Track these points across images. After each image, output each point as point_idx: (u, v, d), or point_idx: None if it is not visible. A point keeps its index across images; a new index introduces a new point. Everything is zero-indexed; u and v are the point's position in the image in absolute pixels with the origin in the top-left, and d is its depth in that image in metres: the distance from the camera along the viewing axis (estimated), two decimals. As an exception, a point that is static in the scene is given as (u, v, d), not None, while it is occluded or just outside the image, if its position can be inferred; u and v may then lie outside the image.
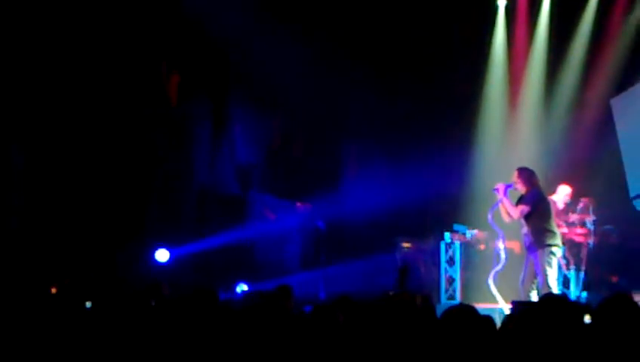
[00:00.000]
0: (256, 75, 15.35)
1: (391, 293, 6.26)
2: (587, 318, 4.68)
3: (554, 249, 10.68)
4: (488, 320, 4.74)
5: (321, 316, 5.12)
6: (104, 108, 13.91)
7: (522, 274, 10.83)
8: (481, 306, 11.07)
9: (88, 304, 6.31)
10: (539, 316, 4.70)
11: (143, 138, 14.51)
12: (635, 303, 4.61)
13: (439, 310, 5.87)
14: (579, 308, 4.64)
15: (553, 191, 12.78)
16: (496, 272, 11.61)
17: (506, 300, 11.19)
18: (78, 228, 13.40)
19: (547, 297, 5.02)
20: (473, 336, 4.59)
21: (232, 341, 5.36)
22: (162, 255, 13.96)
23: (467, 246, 14.44)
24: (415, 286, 14.35)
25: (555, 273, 10.75)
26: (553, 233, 10.77)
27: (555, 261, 10.71)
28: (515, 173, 11.00)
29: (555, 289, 10.66)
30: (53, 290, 6.30)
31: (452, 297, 14.07)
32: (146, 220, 14.26)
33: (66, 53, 13.51)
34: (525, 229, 10.81)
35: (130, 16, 13.94)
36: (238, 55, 15.10)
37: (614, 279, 13.68)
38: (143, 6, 14.08)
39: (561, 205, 12.99)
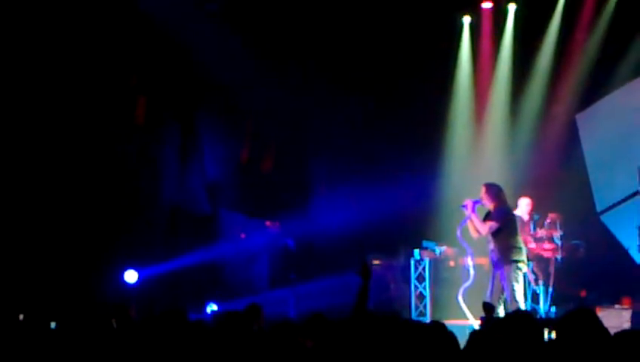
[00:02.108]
0: (224, 92, 15.36)
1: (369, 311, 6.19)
2: (553, 334, 4.72)
3: (520, 264, 10.75)
4: (451, 336, 4.76)
5: (286, 334, 5.11)
6: (71, 128, 13.83)
7: (489, 289, 10.87)
8: (451, 322, 11.09)
9: (53, 324, 6.27)
10: (505, 331, 4.73)
11: (111, 158, 14.43)
12: (597, 317, 4.66)
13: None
14: (545, 323, 4.68)
15: (515, 207, 12.85)
16: (466, 288, 11.66)
17: (475, 316, 11.22)
18: (44, 249, 13.27)
19: (514, 313, 5.05)
20: (438, 353, 4.61)
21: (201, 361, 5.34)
22: (131, 276, 13.88)
23: (436, 263, 14.48)
24: (385, 303, 14.41)
25: (522, 288, 10.82)
26: (519, 249, 10.84)
27: (521, 276, 10.78)
28: (483, 189, 11.06)
29: (523, 304, 10.73)
30: (21, 317, 6.25)
31: (422, 314, 14.10)
32: (114, 241, 14.16)
33: (34, 70, 13.43)
34: (492, 245, 10.86)
35: (97, 35, 13.88)
36: (205, 73, 15.08)
37: (583, 294, 13.76)
38: (111, 26, 14.03)
39: (525, 217, 13.10)
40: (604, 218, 14.67)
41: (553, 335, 4.79)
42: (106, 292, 13.31)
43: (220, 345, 5.57)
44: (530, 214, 13.38)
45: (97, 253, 13.80)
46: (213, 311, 13.58)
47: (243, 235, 15.72)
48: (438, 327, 4.76)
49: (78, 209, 13.80)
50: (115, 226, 14.20)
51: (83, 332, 5.58)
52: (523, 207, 13.20)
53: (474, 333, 4.90)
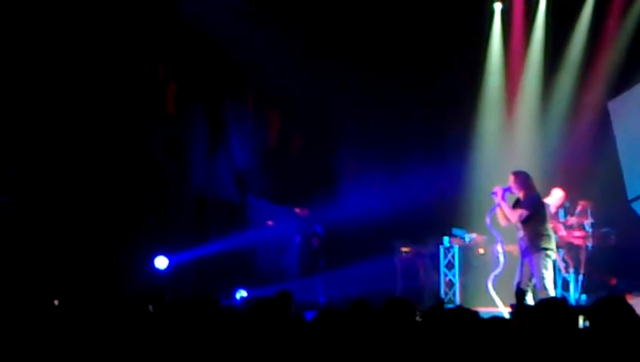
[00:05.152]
0: (252, 80, 15.39)
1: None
2: (586, 322, 4.70)
3: (549, 252, 10.67)
4: (490, 323, 4.76)
5: (331, 321, 5.09)
6: (102, 117, 13.92)
7: (517, 277, 10.80)
8: (481, 310, 11.04)
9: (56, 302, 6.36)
10: (540, 318, 4.72)
11: (141, 145, 14.52)
12: (629, 305, 4.63)
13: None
14: (579, 311, 4.67)
15: (547, 194, 12.77)
16: (496, 276, 11.60)
17: (505, 304, 11.19)
18: (75, 236, 13.38)
19: (547, 301, 5.03)
20: (472, 340, 4.61)
21: (234, 348, 5.37)
22: (161, 262, 13.97)
23: (466, 251, 14.48)
24: (414, 290, 14.42)
25: (551, 275, 10.74)
26: (549, 236, 10.77)
27: (550, 263, 10.70)
28: (511, 177, 10.97)
29: (552, 291, 10.66)
30: (56, 302, 6.32)
31: (451, 301, 14.10)
32: (145, 227, 14.26)
33: (65, 61, 13.53)
34: (521, 233, 10.78)
35: (127, 24, 13.95)
36: (234, 59, 15.12)
37: (613, 281, 13.70)
38: (140, 14, 14.09)
39: (553, 209, 13.01)
40: (635, 205, 14.57)
41: (588, 323, 4.77)
42: (136, 278, 13.41)
43: (251, 331, 5.59)
44: (559, 207, 13.31)
45: (128, 239, 13.92)
46: (242, 297, 13.65)
47: (270, 222, 15.75)
48: (470, 315, 4.75)
49: (109, 195, 13.91)
50: (145, 213, 14.31)
51: (121, 317, 5.63)
52: (555, 199, 13.11)
53: (507, 321, 4.89)
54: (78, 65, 13.64)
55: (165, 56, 14.76)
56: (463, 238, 14.52)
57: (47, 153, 13.50)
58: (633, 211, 14.54)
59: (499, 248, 11.79)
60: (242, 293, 13.94)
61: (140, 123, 14.47)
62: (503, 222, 11.03)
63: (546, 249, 10.64)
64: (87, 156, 13.78)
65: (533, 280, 10.60)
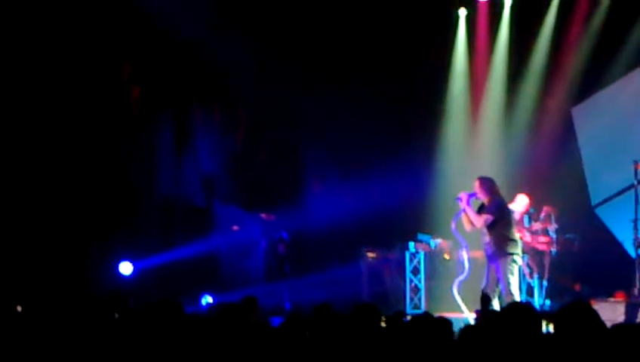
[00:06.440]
0: (219, 83, 15.35)
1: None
2: (550, 327, 4.72)
3: (515, 257, 10.74)
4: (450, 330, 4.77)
5: (295, 327, 5.09)
6: (66, 119, 13.80)
7: (484, 282, 10.85)
8: (446, 315, 11.06)
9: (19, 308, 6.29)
10: (504, 323, 4.73)
11: (106, 148, 14.41)
12: (594, 311, 4.66)
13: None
14: (543, 316, 4.69)
15: (511, 200, 12.84)
16: (461, 281, 11.63)
17: (470, 309, 11.21)
18: (39, 241, 13.24)
19: (512, 306, 5.04)
20: (437, 345, 4.62)
21: (199, 353, 5.34)
22: (126, 267, 13.87)
23: (431, 256, 14.53)
24: (380, 295, 14.44)
25: (517, 280, 10.81)
26: (515, 241, 10.84)
27: (516, 268, 10.77)
28: (477, 183, 11.03)
29: (518, 296, 10.72)
30: (19, 308, 6.25)
31: (417, 306, 14.14)
32: (109, 232, 14.14)
33: (28, 61, 13.39)
34: (487, 238, 10.83)
35: (92, 24, 13.85)
36: (201, 63, 15.07)
37: (577, 287, 13.80)
38: (106, 15, 14.00)
39: (517, 215, 13.06)
40: (598, 211, 14.69)
41: (551, 328, 4.79)
42: (101, 283, 13.30)
43: (217, 337, 5.56)
44: (524, 214, 13.38)
45: (92, 245, 13.80)
46: (208, 303, 13.59)
47: (236, 228, 15.69)
48: (443, 322, 4.77)
49: (73, 200, 13.78)
50: (110, 218, 14.19)
51: (86, 323, 5.58)
52: (520, 205, 13.16)
53: (471, 327, 4.90)
54: (41, 65, 13.50)
55: (131, 58, 14.67)
56: (429, 244, 14.57)
57: (9, 156, 13.33)
58: (597, 217, 14.67)
59: (464, 254, 11.82)
60: (208, 299, 13.88)
61: (105, 125, 14.35)
62: (468, 227, 11.07)
63: (513, 254, 10.71)
64: (50, 159, 13.63)
65: (500, 286, 10.65)
